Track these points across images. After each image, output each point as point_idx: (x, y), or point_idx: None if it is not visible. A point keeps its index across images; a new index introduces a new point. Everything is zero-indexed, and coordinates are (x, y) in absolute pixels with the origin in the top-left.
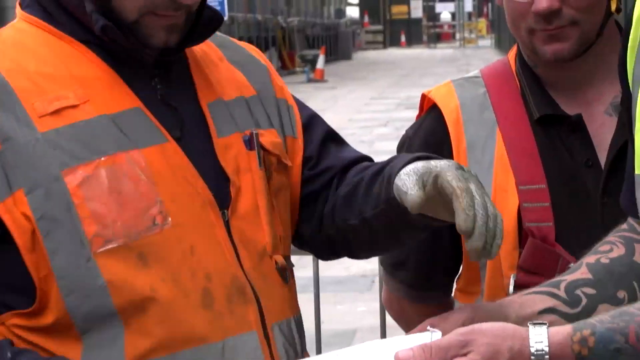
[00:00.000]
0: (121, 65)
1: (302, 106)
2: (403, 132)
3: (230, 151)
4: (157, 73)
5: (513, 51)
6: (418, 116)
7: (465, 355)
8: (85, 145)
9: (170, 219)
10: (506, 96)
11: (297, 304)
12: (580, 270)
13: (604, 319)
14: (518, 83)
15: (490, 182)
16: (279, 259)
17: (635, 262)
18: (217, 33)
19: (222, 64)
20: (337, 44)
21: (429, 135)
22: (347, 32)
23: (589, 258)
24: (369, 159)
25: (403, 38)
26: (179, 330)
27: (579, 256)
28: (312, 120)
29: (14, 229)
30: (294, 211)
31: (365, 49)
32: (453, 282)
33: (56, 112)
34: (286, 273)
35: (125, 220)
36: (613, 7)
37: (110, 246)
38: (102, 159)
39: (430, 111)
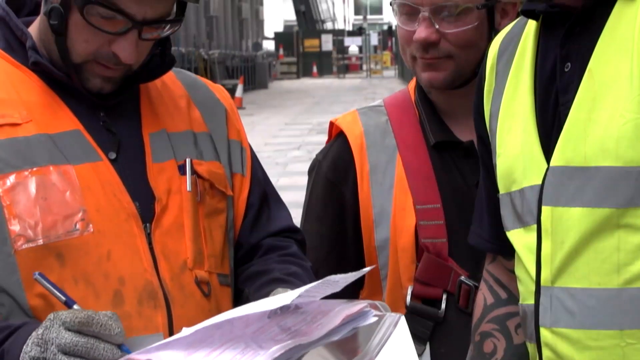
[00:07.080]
0: (66, 94)
1: (254, 157)
2: (314, 154)
3: (163, 175)
4: (101, 103)
5: (413, 82)
6: (327, 142)
7: None
8: (21, 156)
9: (91, 226)
10: (406, 124)
11: None
12: None
13: None
14: (417, 111)
15: (390, 202)
16: (200, 273)
17: (518, 347)
18: (190, 74)
19: (181, 101)
20: (254, 74)
21: (336, 159)
22: (264, 64)
23: None
24: (292, 229)
25: (315, 69)
26: None
27: (469, 269)
28: (254, 179)
29: None
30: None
31: (281, 79)
32: (358, 292)
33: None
34: (208, 287)
35: (47, 223)
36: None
37: (31, 245)
38: (34, 169)
39: (337, 137)
